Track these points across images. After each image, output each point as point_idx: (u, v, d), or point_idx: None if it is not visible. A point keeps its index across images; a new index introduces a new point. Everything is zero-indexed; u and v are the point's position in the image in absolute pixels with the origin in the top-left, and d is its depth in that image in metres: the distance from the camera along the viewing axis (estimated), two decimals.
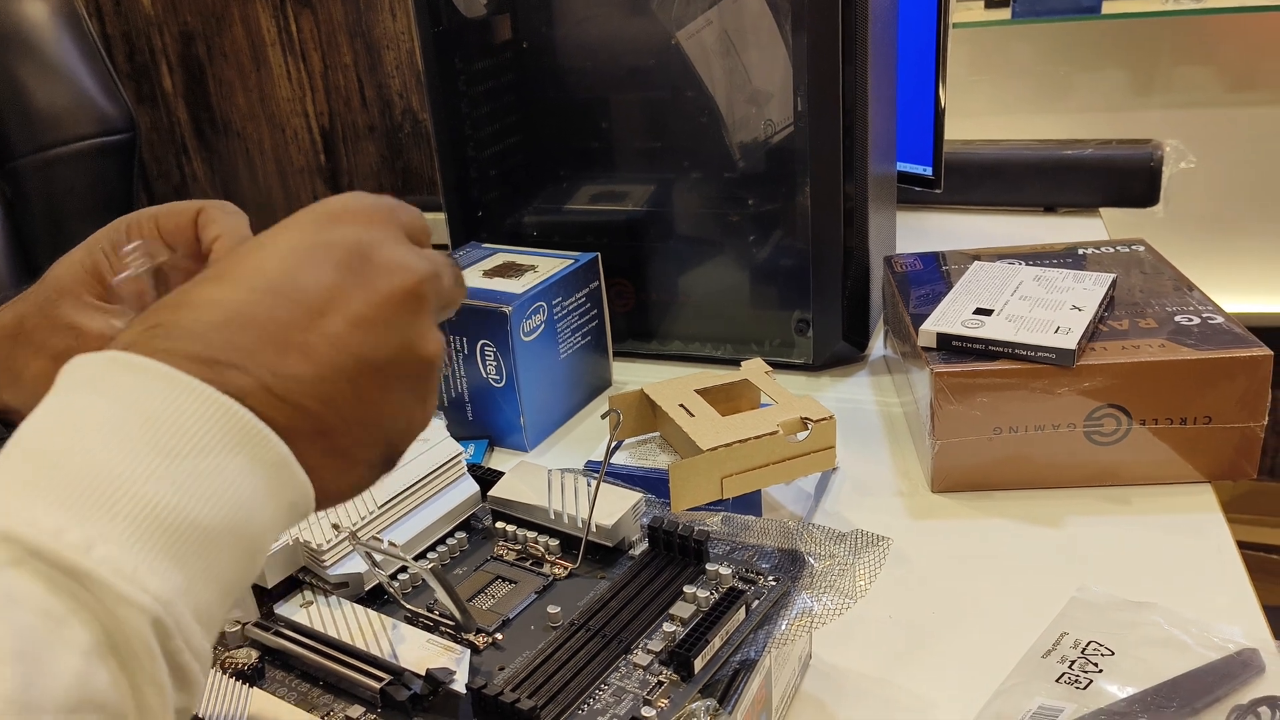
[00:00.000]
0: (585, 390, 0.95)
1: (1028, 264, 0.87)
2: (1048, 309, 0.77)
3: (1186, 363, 0.71)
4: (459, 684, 0.48)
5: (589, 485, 0.61)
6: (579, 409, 0.94)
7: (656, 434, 0.77)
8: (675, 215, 0.99)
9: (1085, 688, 0.56)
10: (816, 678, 0.60)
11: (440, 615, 0.54)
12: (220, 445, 0.31)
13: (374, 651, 0.51)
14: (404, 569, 0.57)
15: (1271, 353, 0.71)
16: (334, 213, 0.38)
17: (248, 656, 0.52)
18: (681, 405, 0.73)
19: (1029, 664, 0.59)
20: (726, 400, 0.76)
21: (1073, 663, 0.59)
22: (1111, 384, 0.72)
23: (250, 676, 0.51)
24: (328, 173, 1.68)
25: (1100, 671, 0.58)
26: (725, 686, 0.49)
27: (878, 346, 0.99)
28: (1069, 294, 0.79)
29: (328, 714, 0.49)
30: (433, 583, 0.50)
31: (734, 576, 0.56)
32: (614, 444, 0.58)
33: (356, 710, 0.49)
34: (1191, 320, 0.76)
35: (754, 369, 0.78)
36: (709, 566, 0.56)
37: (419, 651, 0.50)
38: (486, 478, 0.65)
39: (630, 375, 0.99)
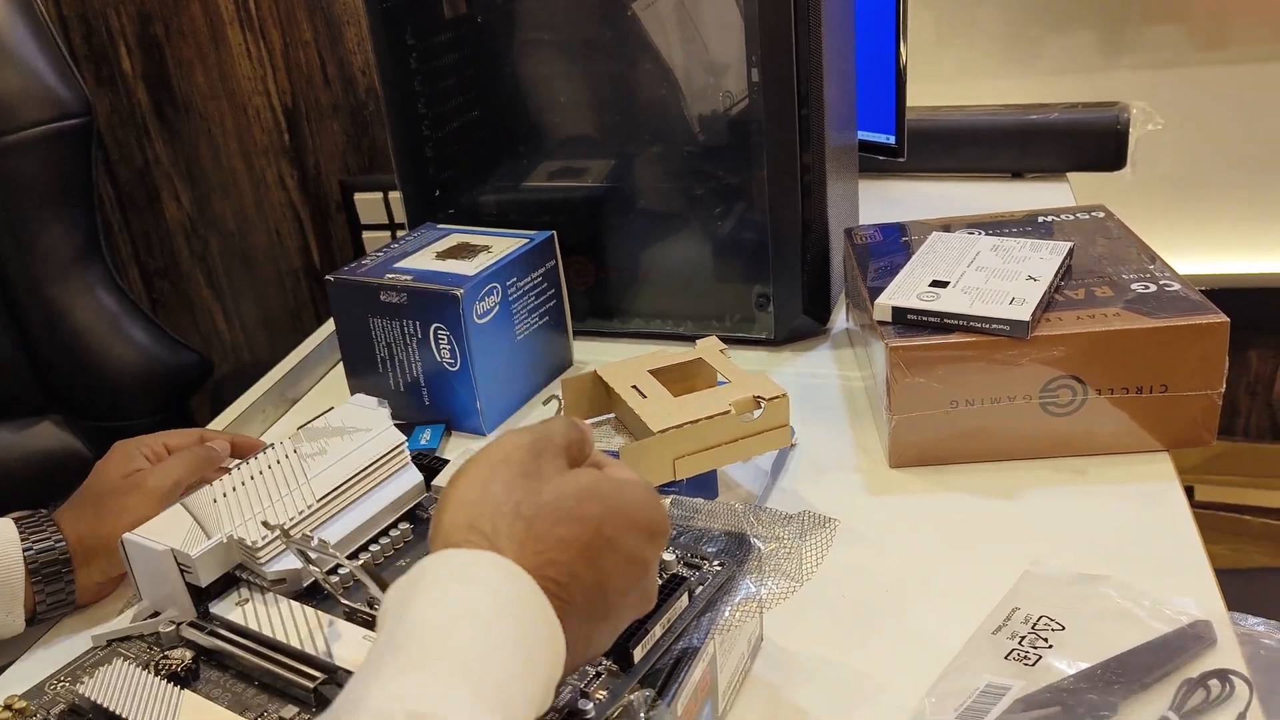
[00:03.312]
0: (545, 371, 0.94)
1: (987, 234, 0.86)
2: (1004, 279, 0.76)
3: (1142, 331, 0.71)
4: None
5: None
6: (538, 390, 0.93)
7: (611, 415, 0.76)
8: (635, 191, 0.97)
9: (1034, 664, 0.56)
10: (767, 660, 0.60)
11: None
12: (538, 631, 0.38)
13: (309, 650, 0.50)
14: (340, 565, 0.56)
15: (1228, 320, 0.71)
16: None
17: (182, 658, 0.51)
18: (634, 386, 0.73)
19: (978, 641, 0.58)
20: (681, 380, 0.75)
21: (1022, 638, 0.58)
22: (1067, 354, 0.71)
23: (184, 679, 0.50)
24: (292, 152, 1.66)
25: (1050, 647, 0.57)
26: (666, 676, 0.49)
27: (840, 319, 0.98)
28: (1025, 264, 0.78)
29: (261, 714, 0.48)
30: (367, 580, 0.50)
31: (678, 562, 0.55)
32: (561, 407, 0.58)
33: (290, 710, 0.48)
34: (1148, 288, 0.75)
35: (709, 347, 0.77)
36: None
37: (355, 649, 0.50)
38: (432, 465, 0.65)
39: (591, 354, 0.98)
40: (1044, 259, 0.78)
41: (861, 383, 0.88)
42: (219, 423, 1.06)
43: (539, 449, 0.44)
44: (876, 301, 0.76)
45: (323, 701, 0.47)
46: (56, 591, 0.66)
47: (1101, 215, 0.89)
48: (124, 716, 0.47)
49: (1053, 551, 0.65)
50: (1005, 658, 0.57)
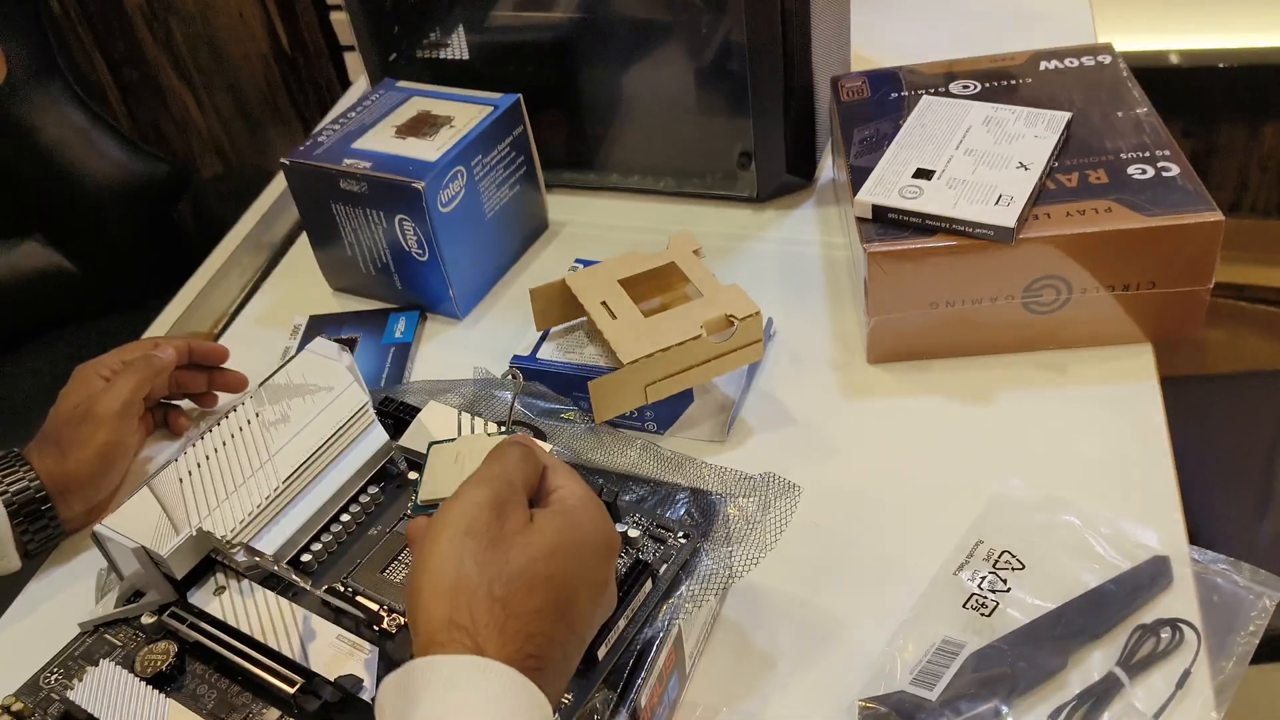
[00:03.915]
0: (520, 238, 0.91)
1: (983, 96, 0.80)
2: (993, 167, 0.71)
3: (1133, 232, 0.67)
4: (367, 693, 0.49)
5: (500, 430, 0.60)
6: (515, 259, 0.90)
7: (583, 320, 0.75)
8: (607, 31, 0.89)
9: (990, 614, 0.58)
10: (737, 598, 0.62)
11: (353, 597, 0.55)
12: (530, 714, 0.40)
13: (286, 651, 0.52)
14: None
15: (1222, 218, 0.67)
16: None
17: (167, 652, 0.53)
18: (604, 303, 0.70)
19: (940, 584, 0.60)
20: (653, 288, 0.73)
21: (982, 579, 0.60)
22: (1053, 255, 0.68)
23: (170, 675, 0.53)
24: None
25: (1008, 590, 0.59)
26: (630, 669, 0.51)
27: (826, 168, 0.94)
28: (1018, 145, 0.73)
29: (246, 717, 0.51)
30: (326, 603, 0.50)
31: (644, 536, 0.56)
32: (515, 403, 0.57)
33: (273, 714, 0.51)
34: (1144, 172, 0.71)
35: (681, 247, 0.74)
36: (619, 528, 0.56)
37: (329, 651, 0.51)
38: (399, 414, 0.64)
39: (569, 212, 0.95)
40: (1038, 138, 0.73)
41: (845, 252, 0.85)
42: (200, 276, 1.04)
43: (500, 504, 0.45)
44: (856, 198, 0.72)
45: (302, 712, 0.50)
46: (42, 528, 0.68)
47: (1108, 60, 0.82)
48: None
49: (1024, 466, 0.66)
50: (964, 605, 0.58)
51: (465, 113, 0.84)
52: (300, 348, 0.82)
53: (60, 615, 0.66)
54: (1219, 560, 0.59)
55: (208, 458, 0.59)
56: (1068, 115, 0.75)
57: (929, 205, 0.69)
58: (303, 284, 0.92)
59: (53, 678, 0.54)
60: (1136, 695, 0.54)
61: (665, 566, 0.54)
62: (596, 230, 0.93)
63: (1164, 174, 0.70)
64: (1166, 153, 0.72)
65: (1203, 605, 0.57)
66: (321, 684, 0.50)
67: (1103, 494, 0.64)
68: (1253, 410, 1.16)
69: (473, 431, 0.60)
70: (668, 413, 0.72)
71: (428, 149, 0.80)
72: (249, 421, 0.60)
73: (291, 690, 0.50)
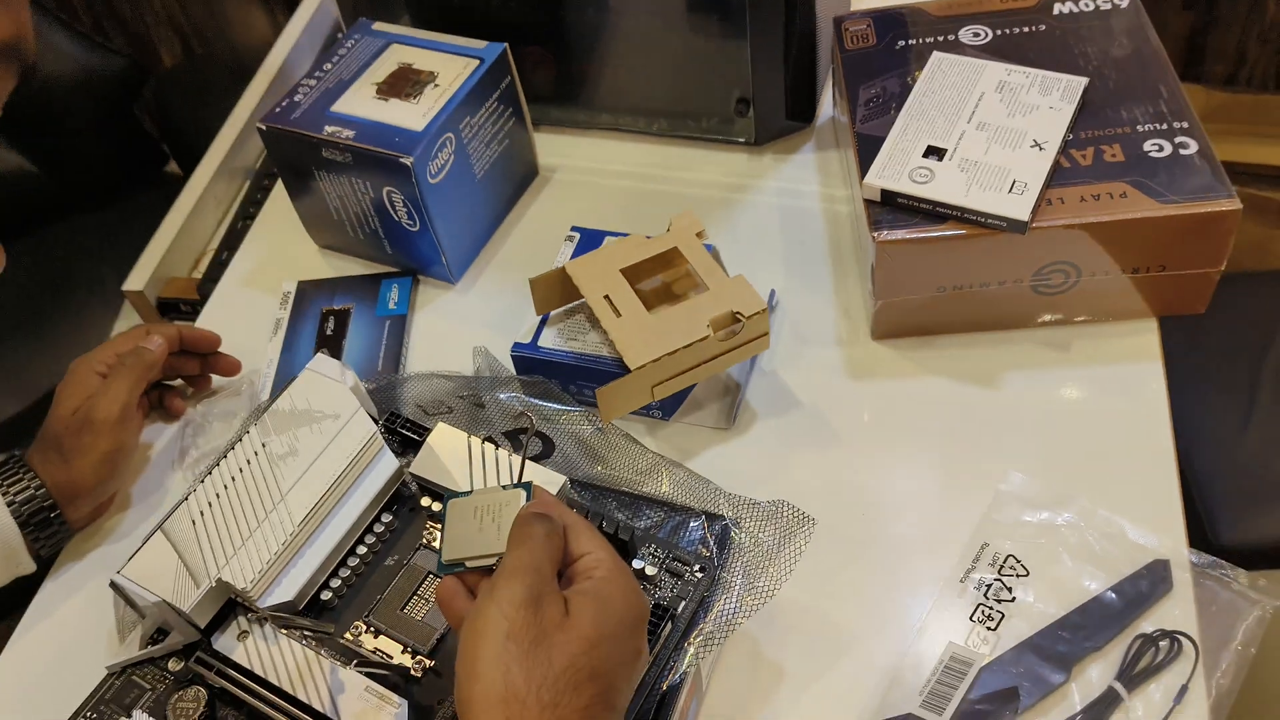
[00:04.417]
0: (510, 189, 0.88)
1: (991, 51, 0.76)
2: (1006, 147, 0.69)
3: (1148, 220, 0.66)
4: None
5: (510, 459, 0.59)
6: (506, 213, 0.88)
7: (582, 301, 0.73)
8: None
9: (996, 627, 0.60)
10: None
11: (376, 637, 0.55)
12: None
13: (315, 703, 0.53)
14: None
15: (1239, 206, 0.65)
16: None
17: (198, 701, 0.54)
18: (607, 298, 0.69)
19: (947, 594, 0.61)
20: (656, 274, 0.71)
21: (988, 588, 0.61)
22: (1066, 243, 0.67)
23: None
24: None
25: (1013, 600, 0.61)
26: (654, 714, 0.52)
27: (826, 105, 0.90)
28: (1033, 118, 0.70)
29: None
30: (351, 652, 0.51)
31: (661, 571, 0.56)
32: (526, 452, 0.56)
33: None
34: (1161, 149, 0.68)
35: (684, 231, 0.71)
36: (635, 564, 0.56)
37: (359, 704, 0.53)
38: (405, 431, 0.63)
39: (558, 154, 0.91)
40: (1054, 109, 0.70)
41: (846, 206, 0.83)
42: (175, 214, 1.00)
43: (535, 600, 0.45)
44: (865, 181, 0.69)
45: None
46: (51, 534, 0.68)
47: (1124, 5, 0.78)
48: None
49: (1027, 455, 0.66)
50: (970, 618, 0.60)
51: (449, 68, 0.79)
52: (291, 318, 0.81)
53: (79, 613, 0.68)
54: (1217, 565, 0.61)
55: (218, 495, 0.58)
56: (1084, 82, 0.72)
57: (940, 192, 0.67)
58: (287, 240, 0.89)
59: None
60: (1135, 711, 0.56)
61: (683, 604, 0.55)
62: (588, 176, 0.90)
63: (1181, 152, 0.68)
64: (1184, 124, 0.69)
65: (1201, 614, 0.59)
66: None
67: (1104, 486, 0.65)
68: (1242, 311, 1.16)
69: (483, 460, 0.59)
70: (672, 400, 0.71)
71: (413, 115, 0.76)
72: (255, 454, 0.60)
73: None
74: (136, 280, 0.95)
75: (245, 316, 0.84)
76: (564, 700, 0.43)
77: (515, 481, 0.55)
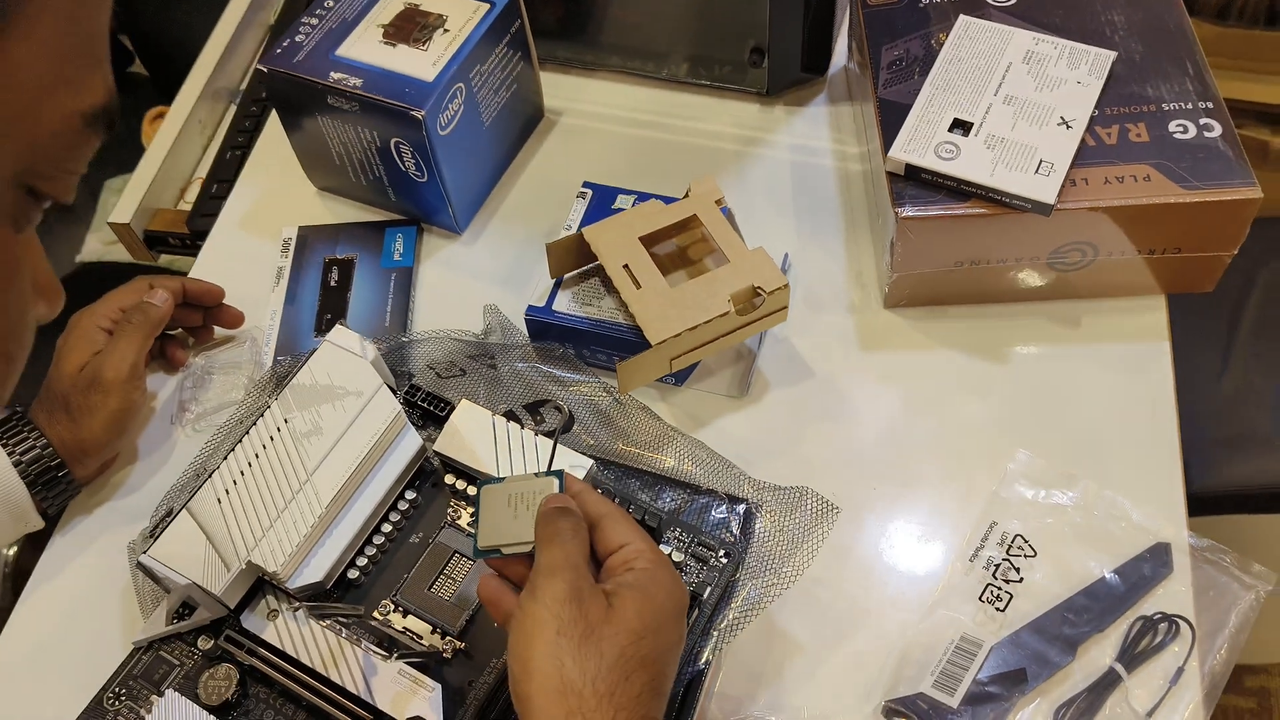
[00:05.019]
0: (515, 134, 0.85)
1: (1018, 15, 0.75)
2: (1034, 123, 0.68)
3: (1170, 206, 0.66)
4: None
5: (536, 442, 0.59)
6: (512, 158, 0.86)
7: (597, 264, 0.72)
8: None
9: (1005, 608, 0.62)
10: None
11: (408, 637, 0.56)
12: None
13: (349, 685, 0.54)
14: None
15: (1260, 194, 0.66)
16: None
17: (229, 679, 0.55)
18: (626, 267, 0.68)
19: (957, 572, 0.63)
20: (671, 240, 0.70)
21: (996, 568, 0.63)
22: (1087, 224, 0.67)
23: (235, 703, 0.55)
24: None
25: (1020, 581, 0.63)
26: (680, 700, 0.54)
27: (839, 56, 0.88)
28: (1060, 93, 0.70)
29: None
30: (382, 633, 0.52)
31: (687, 557, 0.57)
32: (557, 438, 0.56)
33: None
34: (1186, 131, 0.68)
35: (703, 197, 0.70)
36: (663, 549, 0.57)
37: (392, 686, 0.54)
38: (426, 405, 0.63)
39: (565, 97, 0.89)
40: (1082, 85, 0.70)
41: (858, 164, 0.82)
42: (160, 140, 0.97)
43: (577, 595, 0.46)
44: (890, 155, 0.68)
45: None
46: (59, 492, 0.67)
47: None
48: None
49: (1035, 431, 0.68)
50: (980, 598, 0.62)
51: (459, 11, 0.76)
52: (293, 268, 0.79)
53: (89, 570, 0.68)
54: (1216, 549, 0.63)
55: (242, 473, 0.58)
56: (1112, 56, 0.71)
57: (965, 170, 0.67)
58: (283, 180, 0.87)
59: (116, 700, 0.56)
60: (1133, 691, 0.59)
61: (709, 590, 0.56)
62: (595, 121, 0.88)
63: (1206, 134, 0.68)
64: (1209, 105, 0.69)
65: (1198, 598, 0.62)
66: None
67: (1109, 465, 0.66)
68: None
69: (509, 439, 0.60)
70: (686, 367, 0.71)
71: (423, 63, 0.74)
72: (279, 430, 0.59)
73: None
74: (123, 212, 0.93)
75: (244, 262, 0.82)
76: (619, 689, 0.44)
77: (547, 469, 0.56)
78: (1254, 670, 1.38)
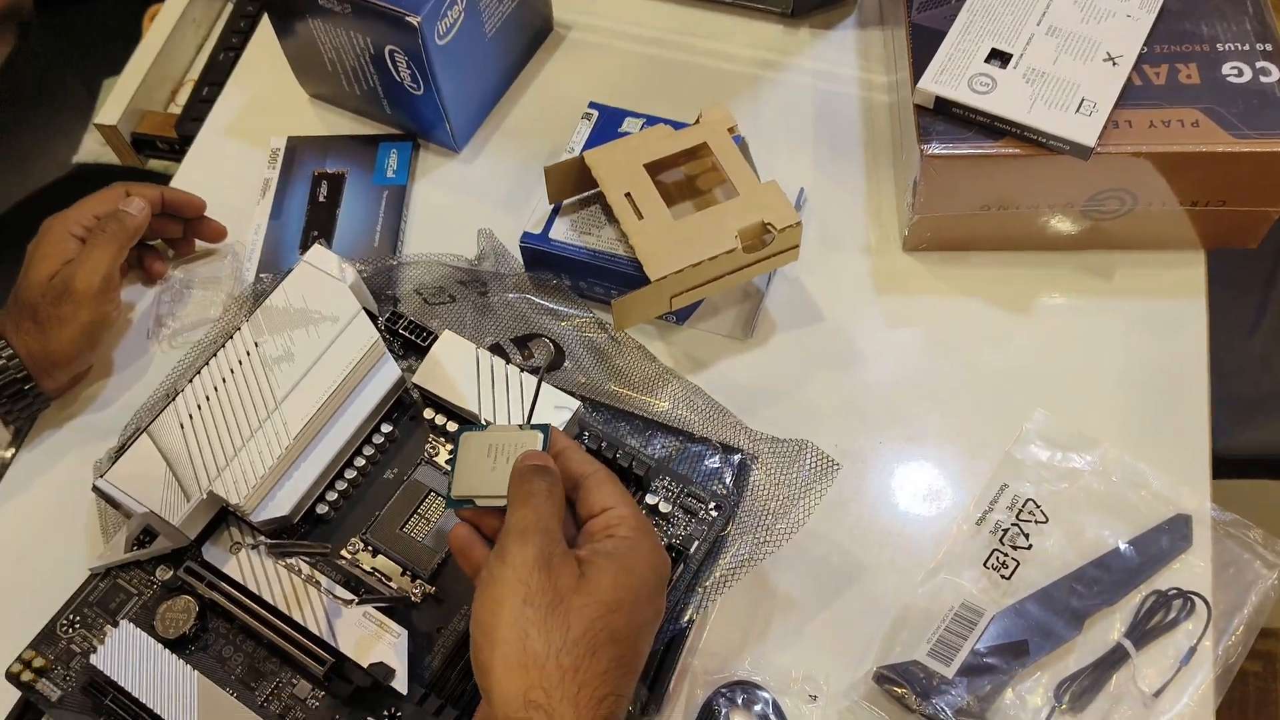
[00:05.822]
0: (521, 48, 0.80)
1: None
2: (1077, 58, 0.63)
3: (1218, 155, 0.61)
4: (400, 683, 0.49)
5: (521, 380, 0.56)
6: (516, 74, 0.81)
7: (597, 191, 0.68)
8: None
9: (1010, 575, 0.58)
10: None
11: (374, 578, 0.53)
12: None
13: (312, 626, 0.51)
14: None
15: None
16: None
17: (188, 612, 0.52)
18: (628, 195, 0.64)
19: (963, 535, 0.60)
20: (679, 168, 0.66)
21: (1004, 533, 0.60)
22: (1128, 170, 0.62)
23: (193, 637, 0.52)
24: None
25: (1029, 548, 0.59)
26: (661, 658, 0.51)
27: None
28: (1107, 26, 0.64)
29: (276, 684, 0.51)
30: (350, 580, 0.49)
31: (675, 508, 0.54)
32: (540, 384, 0.52)
33: (305, 687, 0.51)
34: (1240, 74, 0.63)
35: (715, 124, 0.66)
36: (648, 499, 0.54)
37: (357, 630, 0.51)
38: (407, 334, 0.59)
39: (575, 9, 0.83)
40: (1131, 18, 0.64)
41: (884, 95, 0.77)
42: (151, 39, 0.92)
43: (546, 560, 0.43)
44: (919, 86, 0.63)
45: (335, 691, 0.50)
46: (25, 406, 0.64)
47: None
48: (143, 702, 0.49)
49: (1056, 390, 0.64)
50: (985, 564, 0.59)
51: None
52: (280, 180, 0.75)
53: (56, 486, 0.65)
54: (1240, 523, 0.60)
55: (208, 398, 0.55)
56: None
57: (1001, 106, 0.62)
58: (274, 85, 0.82)
59: (70, 628, 0.53)
60: (1141, 669, 0.56)
61: (696, 544, 0.53)
62: (606, 37, 0.82)
63: (1262, 79, 0.63)
64: (1268, 48, 0.64)
65: (1216, 575, 0.58)
66: (353, 669, 0.50)
67: (1133, 428, 0.63)
68: None
69: (491, 375, 0.56)
70: (687, 306, 0.67)
71: None
72: (248, 354, 0.56)
73: (322, 670, 0.50)
74: (110, 114, 0.88)
75: (230, 172, 0.78)
76: (583, 664, 0.42)
77: (530, 408, 0.52)
78: (1263, 633, 1.36)
